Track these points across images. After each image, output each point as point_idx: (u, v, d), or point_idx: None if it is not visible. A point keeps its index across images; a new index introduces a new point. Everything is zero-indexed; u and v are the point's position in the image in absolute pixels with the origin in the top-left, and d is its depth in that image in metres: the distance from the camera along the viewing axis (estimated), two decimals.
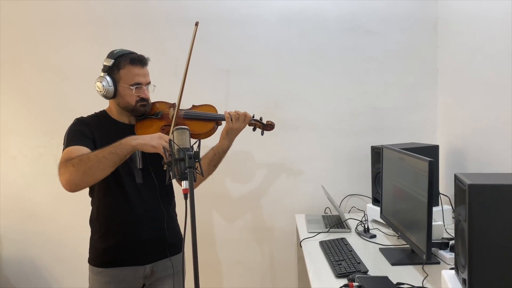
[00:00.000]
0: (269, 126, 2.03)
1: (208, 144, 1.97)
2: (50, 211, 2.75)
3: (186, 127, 1.33)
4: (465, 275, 1.22)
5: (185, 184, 1.23)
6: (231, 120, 1.86)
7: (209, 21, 2.64)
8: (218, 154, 1.90)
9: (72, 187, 1.55)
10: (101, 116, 1.82)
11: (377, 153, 2.37)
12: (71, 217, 2.72)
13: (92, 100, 2.63)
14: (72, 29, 2.67)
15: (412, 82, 2.66)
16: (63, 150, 1.65)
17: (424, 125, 2.67)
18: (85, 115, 1.81)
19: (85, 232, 2.81)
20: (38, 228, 2.76)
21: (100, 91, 1.73)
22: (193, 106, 1.97)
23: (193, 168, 1.24)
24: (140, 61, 1.75)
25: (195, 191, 1.24)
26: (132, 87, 1.73)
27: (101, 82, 1.72)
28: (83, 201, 2.68)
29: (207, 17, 2.63)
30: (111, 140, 1.69)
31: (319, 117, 2.69)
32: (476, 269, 1.18)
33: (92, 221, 1.82)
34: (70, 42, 2.67)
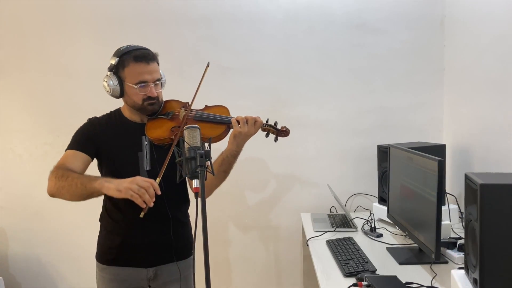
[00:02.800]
0: (283, 132, 1.87)
1: (220, 148, 1.94)
2: (55, 209, 2.75)
3: (196, 126, 1.33)
4: (476, 275, 1.22)
5: (196, 182, 1.24)
6: (238, 124, 1.73)
7: (215, 19, 2.64)
8: (227, 159, 1.76)
9: (50, 195, 1.62)
10: (114, 115, 1.79)
11: (383, 152, 2.37)
12: (77, 215, 2.72)
13: (97, 98, 2.64)
14: (78, 27, 2.67)
15: (418, 81, 2.65)
16: (65, 150, 1.69)
17: (430, 124, 2.67)
18: (94, 113, 1.79)
19: (91, 230, 2.80)
20: (43, 226, 2.77)
21: (107, 91, 1.69)
22: (206, 106, 1.86)
23: (204, 167, 1.24)
24: (144, 57, 1.65)
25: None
26: (136, 86, 1.65)
27: (107, 81, 1.67)
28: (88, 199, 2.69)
29: (213, 15, 2.64)
30: (122, 140, 1.70)
31: (325, 116, 2.69)
32: (487, 269, 1.18)
33: (101, 218, 1.82)
34: (75, 41, 2.68)
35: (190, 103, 1.77)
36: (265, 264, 2.79)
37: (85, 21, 2.66)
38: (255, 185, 2.75)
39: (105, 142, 1.69)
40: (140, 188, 1.42)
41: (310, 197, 2.73)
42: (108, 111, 1.82)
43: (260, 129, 1.80)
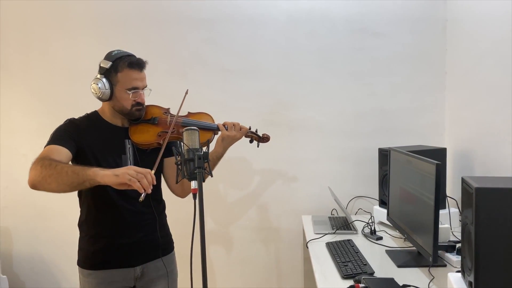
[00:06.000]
0: (264, 139, 2.08)
1: None
2: (59, 209, 2.78)
3: (195, 127, 1.35)
4: (471, 278, 1.22)
5: (194, 184, 1.25)
6: (226, 129, 1.89)
7: (217, 21, 2.66)
8: (212, 161, 1.90)
9: (32, 186, 1.51)
10: (93, 117, 1.79)
11: (384, 155, 2.38)
12: None
13: None
14: (82, 29, 2.70)
15: (420, 84, 2.66)
16: (45, 146, 1.64)
17: (431, 127, 2.67)
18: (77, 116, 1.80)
19: None
20: (47, 226, 2.80)
21: (96, 93, 1.69)
22: (189, 113, 1.95)
23: (202, 168, 1.26)
24: (138, 65, 1.70)
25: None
26: (129, 92, 1.69)
27: (97, 84, 1.68)
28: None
29: (216, 17, 2.66)
30: (105, 143, 1.72)
31: (326, 118, 2.70)
32: (482, 272, 1.18)
33: (81, 224, 1.80)
34: (80, 42, 2.71)
35: (178, 110, 1.81)
36: (266, 265, 2.80)
37: (89, 22, 2.69)
38: (256, 187, 2.76)
39: (88, 143, 1.69)
40: (138, 174, 1.40)
41: (311, 200, 2.74)
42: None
43: (244, 136, 1.97)
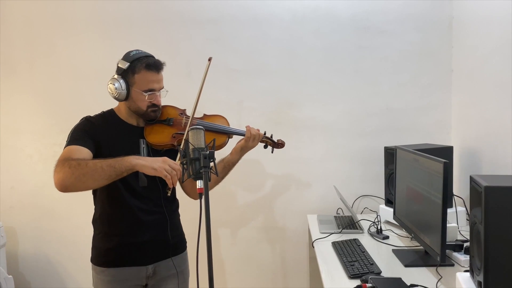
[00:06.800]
0: (279, 145, 2.05)
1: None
2: (65, 209, 2.78)
3: (201, 127, 1.34)
4: (480, 278, 1.21)
5: (199, 183, 1.25)
6: (250, 139, 1.88)
7: (222, 21, 2.66)
8: (229, 167, 1.91)
9: (63, 188, 1.53)
10: (109, 116, 1.80)
11: (390, 154, 2.36)
12: (86, 215, 2.71)
13: (106, 99, 2.68)
14: (87, 29, 2.70)
15: (426, 82, 2.64)
16: (65, 147, 1.65)
17: (438, 126, 2.65)
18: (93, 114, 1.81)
19: None
20: (53, 225, 2.80)
21: (112, 94, 1.71)
22: (205, 115, 1.94)
23: (208, 168, 1.26)
24: (156, 67, 1.71)
25: None
26: (146, 93, 1.70)
27: (114, 84, 1.69)
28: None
29: (221, 17, 2.65)
30: (121, 141, 1.72)
31: (332, 117, 2.69)
32: (492, 272, 1.17)
33: (95, 221, 1.82)
34: (85, 42, 2.71)
35: (192, 111, 1.79)
36: (272, 265, 2.79)
37: (94, 22, 2.70)
38: (262, 186, 2.75)
39: (105, 141, 1.70)
40: (173, 170, 1.50)
41: (317, 199, 2.73)
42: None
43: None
